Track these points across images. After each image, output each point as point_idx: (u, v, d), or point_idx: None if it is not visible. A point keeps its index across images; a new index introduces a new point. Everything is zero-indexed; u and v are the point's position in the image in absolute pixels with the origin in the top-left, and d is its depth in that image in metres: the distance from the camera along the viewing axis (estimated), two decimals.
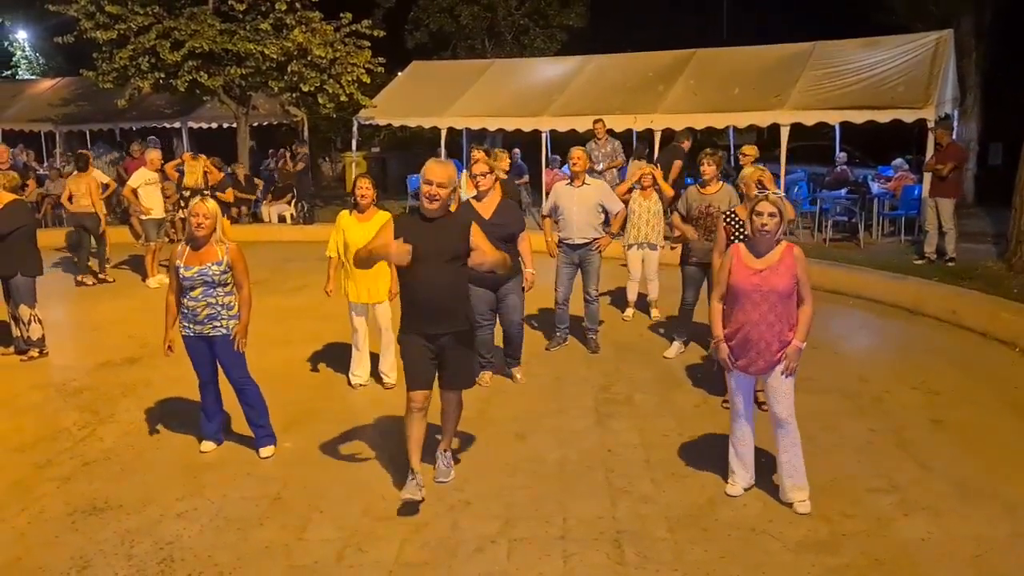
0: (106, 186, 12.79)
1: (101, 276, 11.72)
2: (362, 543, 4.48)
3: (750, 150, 8.73)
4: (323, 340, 8.09)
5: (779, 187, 11.80)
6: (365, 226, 6.48)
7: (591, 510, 4.81)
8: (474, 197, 6.62)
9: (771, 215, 4.60)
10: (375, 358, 6.97)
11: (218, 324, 5.43)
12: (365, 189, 6.53)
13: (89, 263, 11.55)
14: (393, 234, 4.75)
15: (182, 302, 5.45)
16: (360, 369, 6.89)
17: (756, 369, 4.72)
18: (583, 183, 7.52)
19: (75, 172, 11.82)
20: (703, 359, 7.45)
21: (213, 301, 5.40)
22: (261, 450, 5.61)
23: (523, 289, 6.81)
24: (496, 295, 6.71)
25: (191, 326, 5.45)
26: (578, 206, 7.39)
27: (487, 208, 6.51)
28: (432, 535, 4.56)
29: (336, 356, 7.54)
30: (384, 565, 4.27)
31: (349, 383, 6.91)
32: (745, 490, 4.93)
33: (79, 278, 11.42)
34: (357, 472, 5.38)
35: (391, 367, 6.83)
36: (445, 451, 5.22)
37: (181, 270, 5.37)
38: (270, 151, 20.22)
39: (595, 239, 7.51)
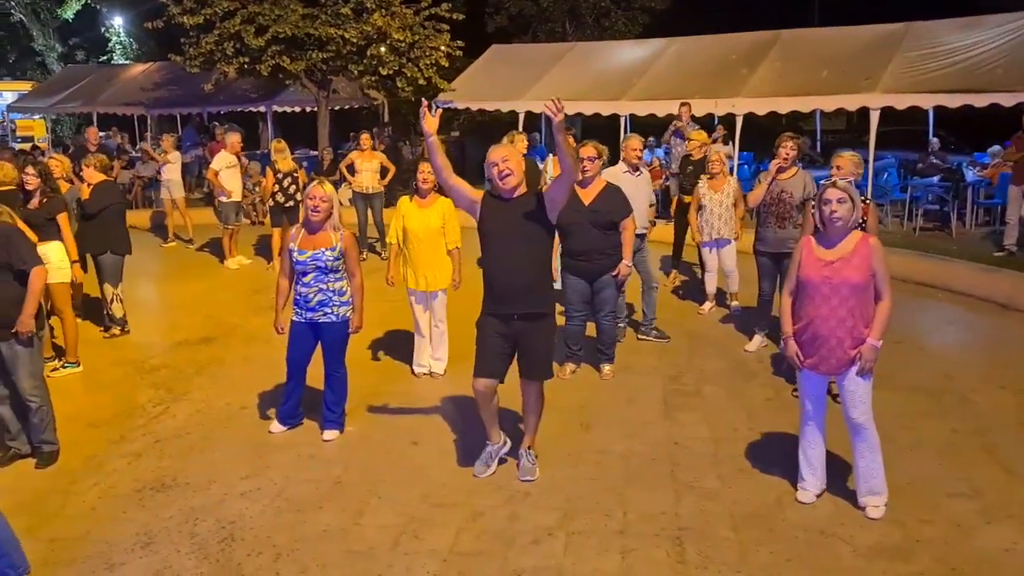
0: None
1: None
2: (418, 530, 4.46)
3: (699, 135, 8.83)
4: (390, 324, 8.11)
5: (867, 174, 11.34)
6: (425, 212, 6.44)
7: (653, 505, 4.69)
8: (579, 183, 6.47)
9: (840, 201, 4.34)
10: None
11: (328, 311, 5.45)
12: (427, 174, 6.46)
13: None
14: (480, 207, 4.83)
15: (295, 287, 5.48)
16: (424, 358, 6.85)
17: (827, 368, 4.47)
18: (639, 172, 7.39)
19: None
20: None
21: (324, 287, 5.42)
22: (325, 432, 5.65)
23: (618, 281, 6.58)
24: (592, 287, 6.54)
25: (303, 312, 5.48)
26: (630, 196, 7.19)
27: (589, 194, 6.39)
28: (489, 525, 4.51)
29: (402, 341, 7.56)
30: (439, 553, 4.24)
31: (412, 372, 6.91)
32: (816, 496, 4.70)
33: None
34: (417, 458, 5.37)
35: (443, 356, 6.82)
36: (529, 448, 5.13)
37: (295, 253, 5.40)
38: (351, 134, 20.47)
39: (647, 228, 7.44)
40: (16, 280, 5.15)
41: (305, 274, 5.39)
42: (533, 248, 4.74)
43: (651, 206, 7.77)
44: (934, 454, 5.27)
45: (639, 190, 7.22)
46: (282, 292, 5.57)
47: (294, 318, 5.53)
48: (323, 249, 5.36)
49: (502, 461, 5.20)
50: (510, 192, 4.77)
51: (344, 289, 5.49)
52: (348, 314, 5.51)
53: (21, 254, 5.16)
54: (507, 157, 4.73)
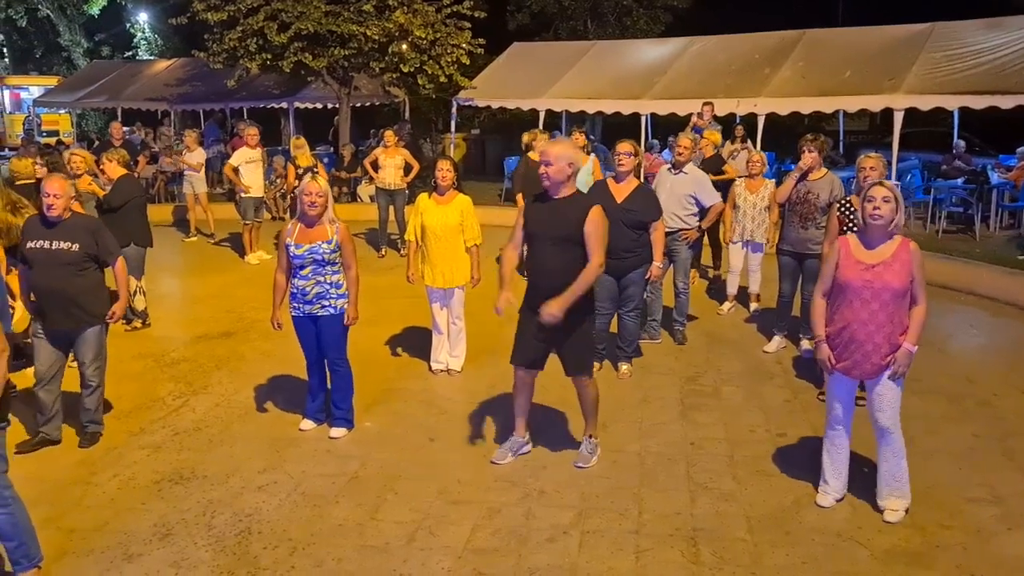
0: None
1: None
2: (434, 526, 4.47)
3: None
4: (409, 321, 8.14)
5: (891, 176, 11.24)
6: (444, 209, 6.45)
7: (668, 505, 4.68)
8: (613, 178, 6.48)
9: (885, 200, 4.24)
10: None
11: (326, 303, 5.47)
12: (445, 171, 6.49)
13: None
14: (526, 212, 4.99)
15: (292, 282, 5.51)
16: (441, 355, 6.86)
17: (861, 372, 4.40)
18: (681, 171, 7.32)
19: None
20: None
21: (322, 279, 5.43)
22: (333, 429, 5.66)
23: (647, 281, 6.58)
24: (619, 284, 6.51)
25: (300, 306, 5.50)
26: (667, 193, 7.16)
27: (622, 192, 6.37)
28: (504, 522, 4.51)
29: (420, 337, 7.57)
30: (454, 550, 4.24)
31: (430, 368, 6.92)
32: (836, 501, 4.66)
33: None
34: (434, 454, 5.38)
35: (460, 353, 6.82)
36: (590, 436, 5.24)
37: (292, 248, 5.42)
38: (372, 131, 20.53)
39: (680, 230, 7.29)
40: (98, 270, 5.49)
41: (302, 268, 5.41)
42: (567, 250, 4.78)
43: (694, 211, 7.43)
44: (954, 459, 5.22)
45: (672, 189, 7.18)
46: (279, 288, 5.57)
47: (293, 313, 5.54)
48: (320, 243, 5.38)
49: (519, 455, 5.24)
50: (553, 192, 4.85)
51: (341, 282, 5.50)
52: (345, 306, 5.52)
53: (108, 247, 5.47)
54: (549, 163, 4.77)
